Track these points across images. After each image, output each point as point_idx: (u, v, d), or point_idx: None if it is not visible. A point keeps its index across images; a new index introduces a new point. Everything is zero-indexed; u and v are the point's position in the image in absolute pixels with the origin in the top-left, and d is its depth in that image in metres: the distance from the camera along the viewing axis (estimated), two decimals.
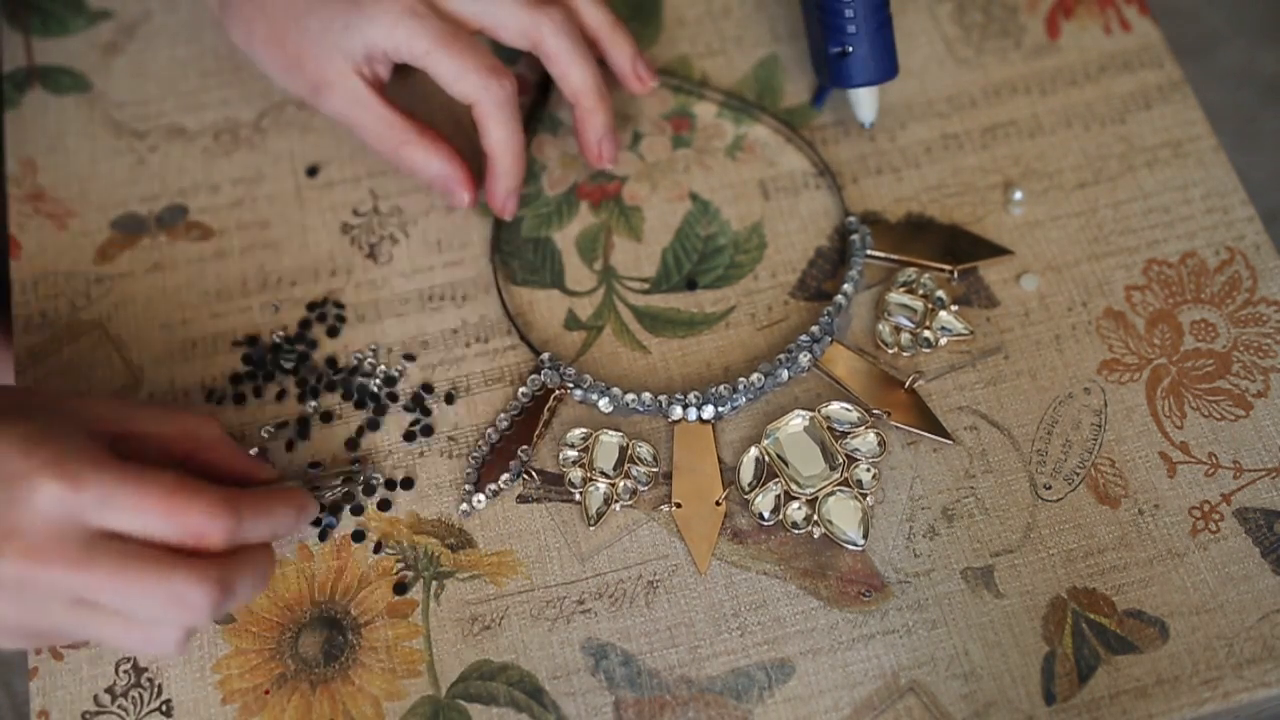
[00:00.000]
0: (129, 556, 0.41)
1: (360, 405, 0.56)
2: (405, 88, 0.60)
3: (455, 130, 0.60)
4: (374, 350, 0.57)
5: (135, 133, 0.62)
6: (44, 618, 0.42)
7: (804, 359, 0.55)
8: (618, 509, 0.53)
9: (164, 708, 0.50)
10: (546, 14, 0.55)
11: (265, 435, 0.55)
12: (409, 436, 0.55)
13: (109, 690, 0.50)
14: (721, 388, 0.54)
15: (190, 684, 0.50)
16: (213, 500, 0.42)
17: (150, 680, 0.50)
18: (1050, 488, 0.53)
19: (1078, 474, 0.53)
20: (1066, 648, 0.50)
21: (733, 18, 0.65)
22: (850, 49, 0.57)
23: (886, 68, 0.58)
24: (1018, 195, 0.59)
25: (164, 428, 0.46)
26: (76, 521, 0.41)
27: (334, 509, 0.53)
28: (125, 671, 0.50)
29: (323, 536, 0.52)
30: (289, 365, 0.56)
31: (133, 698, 0.50)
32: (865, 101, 0.60)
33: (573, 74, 0.56)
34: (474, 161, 0.58)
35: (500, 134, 0.55)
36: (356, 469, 0.54)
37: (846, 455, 0.53)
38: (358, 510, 0.53)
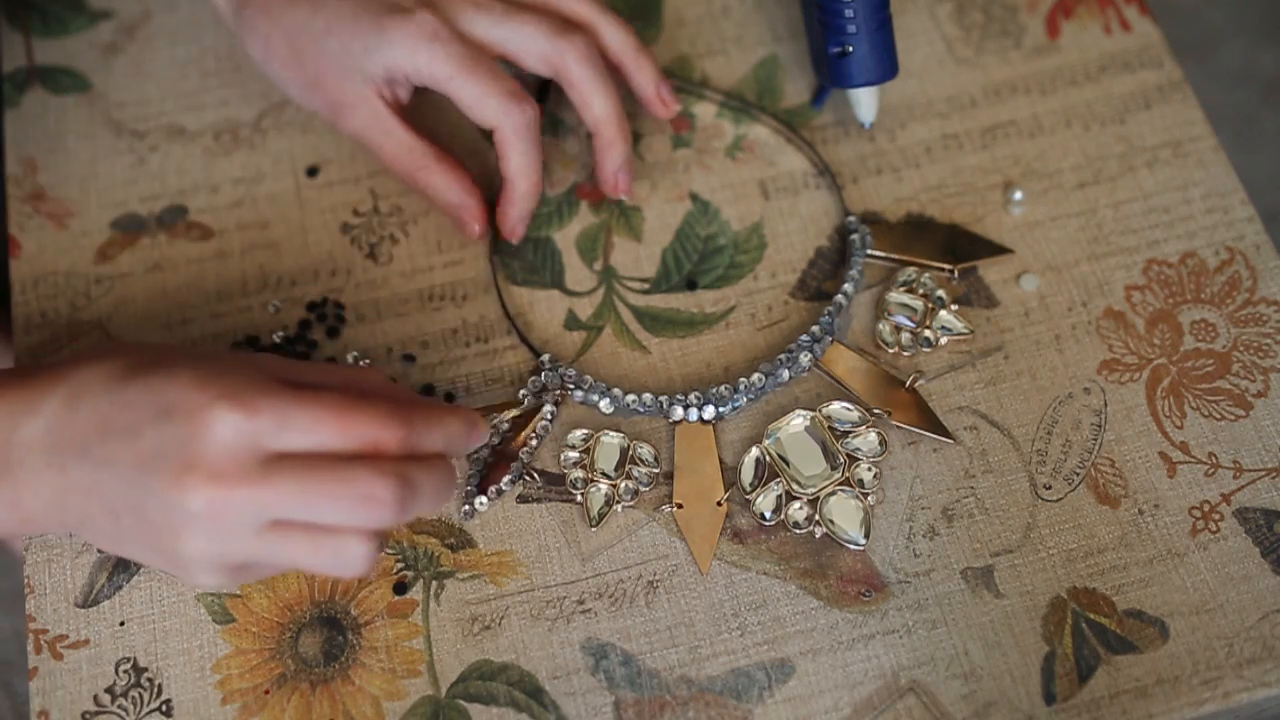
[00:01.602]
0: (310, 466, 0.42)
1: None
2: (419, 104, 0.59)
3: (467, 150, 0.60)
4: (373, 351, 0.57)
5: (135, 133, 0.62)
6: (236, 546, 0.43)
7: (804, 359, 0.55)
8: (619, 510, 0.53)
9: (164, 708, 0.50)
10: (570, 41, 0.55)
11: None
12: None
13: (109, 690, 0.50)
14: (722, 388, 0.54)
15: (190, 684, 0.50)
16: (384, 409, 0.43)
17: (150, 680, 0.50)
18: (1050, 488, 0.53)
19: (1078, 474, 0.53)
20: (1066, 648, 0.50)
21: (733, 18, 0.65)
22: (850, 49, 0.57)
23: (886, 68, 0.58)
24: (1018, 195, 0.59)
25: (329, 378, 0.46)
26: (255, 447, 0.42)
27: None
28: (125, 671, 0.50)
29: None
30: None
31: (133, 698, 0.50)
32: (865, 101, 0.60)
33: (595, 103, 0.56)
34: (486, 184, 0.58)
35: (520, 160, 0.55)
36: (527, 404, 0.54)
37: (848, 455, 0.53)
38: None
